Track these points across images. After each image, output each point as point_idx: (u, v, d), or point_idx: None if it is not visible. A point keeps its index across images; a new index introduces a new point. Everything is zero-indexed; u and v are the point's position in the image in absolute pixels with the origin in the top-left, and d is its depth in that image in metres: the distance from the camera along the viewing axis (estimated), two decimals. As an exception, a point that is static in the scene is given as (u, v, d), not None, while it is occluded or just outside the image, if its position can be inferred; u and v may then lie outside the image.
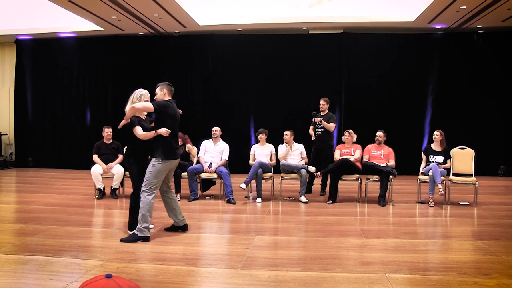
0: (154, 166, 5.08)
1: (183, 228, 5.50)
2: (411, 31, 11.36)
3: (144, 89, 5.37)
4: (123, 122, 5.20)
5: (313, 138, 8.48)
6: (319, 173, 7.78)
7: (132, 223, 5.23)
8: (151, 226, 5.36)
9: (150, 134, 5.12)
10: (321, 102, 8.44)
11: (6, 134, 13.64)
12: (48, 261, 4.28)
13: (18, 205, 7.51)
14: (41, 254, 4.47)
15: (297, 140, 8.08)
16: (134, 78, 12.03)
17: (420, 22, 10.64)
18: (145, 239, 5.02)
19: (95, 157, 8.01)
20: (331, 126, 8.27)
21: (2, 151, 13.65)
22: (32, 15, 11.54)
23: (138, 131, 5.14)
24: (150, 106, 5.05)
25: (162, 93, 5.30)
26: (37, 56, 13.16)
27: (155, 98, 5.32)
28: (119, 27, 11.46)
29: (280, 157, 7.86)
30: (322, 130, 8.30)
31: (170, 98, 5.32)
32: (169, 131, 5.08)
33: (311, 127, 8.54)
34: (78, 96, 12.95)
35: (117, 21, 10.91)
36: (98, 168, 7.89)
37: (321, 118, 8.24)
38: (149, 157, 5.23)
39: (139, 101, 5.19)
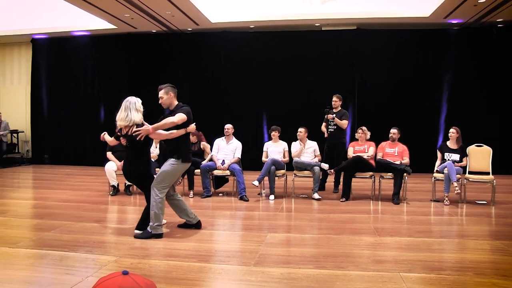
0: (172, 166, 5.07)
1: (197, 225, 5.50)
2: (426, 27, 11.20)
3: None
4: (149, 131, 4.96)
5: (326, 135, 8.43)
6: (332, 170, 7.73)
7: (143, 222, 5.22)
8: (164, 221, 5.38)
9: (180, 132, 5.14)
10: (334, 99, 8.39)
11: (23, 132, 13.85)
12: (64, 256, 4.34)
13: (35, 201, 7.62)
14: (57, 249, 4.54)
15: (309, 137, 8.03)
16: (147, 76, 12.13)
17: (436, 18, 10.49)
18: (159, 236, 5.03)
19: (109, 154, 8.08)
20: (344, 123, 8.22)
21: (19, 148, 13.87)
22: (47, 15, 11.68)
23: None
24: (184, 117, 5.05)
25: (169, 96, 5.21)
26: (52, 55, 13.35)
27: (160, 102, 5.24)
28: (132, 25, 11.52)
29: (294, 154, 7.82)
30: (335, 127, 8.25)
31: (176, 100, 5.30)
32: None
33: (324, 124, 8.49)
34: (92, 94, 13.08)
35: (130, 19, 10.96)
36: (112, 165, 7.96)
37: (334, 115, 8.18)
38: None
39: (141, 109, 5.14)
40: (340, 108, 8.38)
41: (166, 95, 5.21)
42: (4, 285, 3.56)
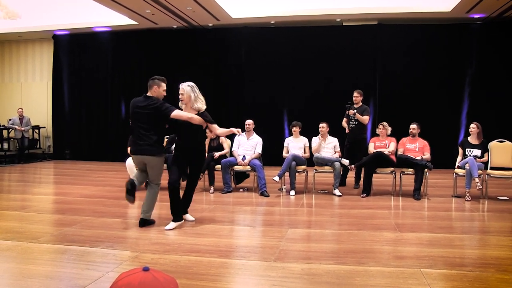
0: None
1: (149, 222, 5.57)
2: (448, 22, 11.06)
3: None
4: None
5: (347, 130, 8.42)
6: (353, 166, 7.72)
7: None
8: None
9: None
10: (355, 94, 8.37)
11: (45, 127, 14.09)
12: (85, 251, 4.38)
13: (56, 197, 7.76)
14: (78, 244, 4.58)
15: (330, 132, 8.03)
16: (168, 72, 12.10)
17: (457, 12, 10.35)
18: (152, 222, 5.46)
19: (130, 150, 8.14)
20: (365, 118, 8.20)
21: (40, 144, 14.12)
22: (69, 11, 11.83)
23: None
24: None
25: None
26: (73, 51, 13.52)
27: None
28: (153, 21, 11.61)
29: (313, 149, 7.84)
30: (356, 123, 8.23)
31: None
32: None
33: (345, 119, 8.48)
34: (112, 90, 13.23)
35: (151, 15, 11.06)
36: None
37: (355, 110, 8.17)
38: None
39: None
40: (361, 103, 8.36)
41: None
42: (26, 279, 3.61)
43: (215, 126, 5.38)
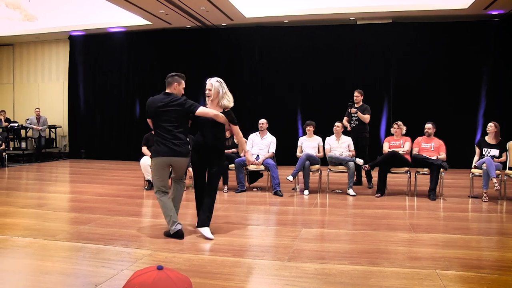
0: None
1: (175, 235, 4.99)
2: (464, 19, 10.91)
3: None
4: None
5: (349, 129, 8.42)
6: (367, 165, 7.66)
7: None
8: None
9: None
10: (356, 94, 8.47)
11: (61, 127, 14.28)
12: (100, 249, 4.42)
13: (72, 195, 7.84)
14: (93, 242, 4.63)
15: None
16: (182, 71, 11.95)
17: (475, 9, 10.20)
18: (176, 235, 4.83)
19: (144, 149, 8.17)
20: (367, 117, 8.26)
21: (57, 143, 14.32)
22: (84, 12, 11.96)
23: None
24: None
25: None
26: (89, 51, 13.69)
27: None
28: (167, 21, 11.68)
29: (326, 151, 7.84)
30: (357, 122, 8.28)
31: None
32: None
33: (346, 118, 8.48)
34: (127, 89, 13.35)
35: (165, 15, 11.12)
36: (147, 160, 7.99)
37: (356, 109, 8.24)
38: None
39: None
40: (362, 103, 8.44)
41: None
42: (43, 275, 3.68)
43: (237, 128, 5.11)
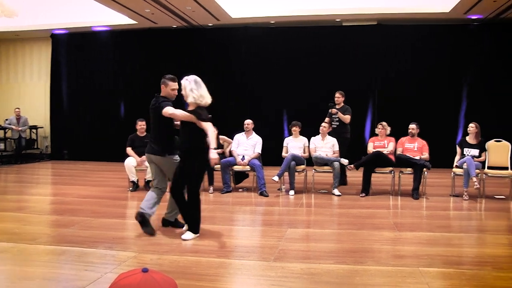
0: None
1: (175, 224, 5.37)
2: (446, 22, 11.08)
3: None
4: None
5: (330, 129, 8.50)
6: (352, 165, 7.75)
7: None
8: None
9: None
10: (337, 95, 8.59)
11: (42, 127, 13.97)
12: (83, 252, 4.35)
13: (54, 197, 7.76)
14: (76, 245, 4.54)
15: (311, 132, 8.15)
16: (168, 71, 11.90)
17: (456, 13, 10.37)
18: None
19: (129, 150, 8.11)
20: (347, 118, 8.37)
21: (38, 144, 14.01)
22: (67, 10, 11.75)
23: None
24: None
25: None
26: (72, 50, 13.44)
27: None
28: (153, 20, 11.61)
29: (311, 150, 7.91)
30: (338, 123, 8.38)
31: None
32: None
33: (327, 119, 8.54)
34: (112, 89, 13.16)
35: (151, 15, 11.05)
36: (131, 161, 7.99)
37: (337, 110, 8.36)
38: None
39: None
40: (343, 104, 8.54)
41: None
42: (23, 281, 3.59)
43: (206, 124, 4.73)
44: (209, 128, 4.74)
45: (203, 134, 4.75)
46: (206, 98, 4.86)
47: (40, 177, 10.73)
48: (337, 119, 8.40)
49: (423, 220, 5.91)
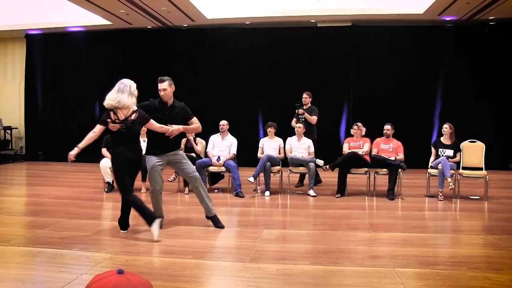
0: None
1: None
2: (421, 24, 11.22)
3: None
4: (179, 130, 5.17)
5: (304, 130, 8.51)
6: (327, 166, 7.74)
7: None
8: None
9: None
10: (304, 95, 8.57)
11: (17, 128, 13.77)
12: (58, 253, 4.31)
13: (28, 198, 7.61)
14: (51, 247, 4.51)
15: (284, 133, 8.15)
16: (143, 72, 12.01)
17: (430, 14, 10.51)
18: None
19: (104, 151, 8.04)
20: (314, 118, 8.35)
21: (12, 145, 13.79)
22: (42, 10, 11.58)
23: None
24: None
25: (172, 89, 5.26)
26: (47, 51, 13.23)
27: (163, 94, 5.19)
28: (128, 21, 11.47)
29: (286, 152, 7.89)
30: (304, 123, 8.32)
31: None
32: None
33: (294, 120, 8.53)
34: (87, 90, 12.97)
35: (126, 15, 10.92)
36: (107, 162, 7.89)
37: (304, 110, 8.35)
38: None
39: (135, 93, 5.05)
40: (310, 104, 8.53)
41: (169, 88, 5.22)
42: None
43: (152, 124, 5.07)
44: (155, 125, 5.08)
45: (112, 137, 5.22)
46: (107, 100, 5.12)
47: (15, 178, 10.54)
48: (303, 119, 8.35)
49: (398, 221, 5.93)
